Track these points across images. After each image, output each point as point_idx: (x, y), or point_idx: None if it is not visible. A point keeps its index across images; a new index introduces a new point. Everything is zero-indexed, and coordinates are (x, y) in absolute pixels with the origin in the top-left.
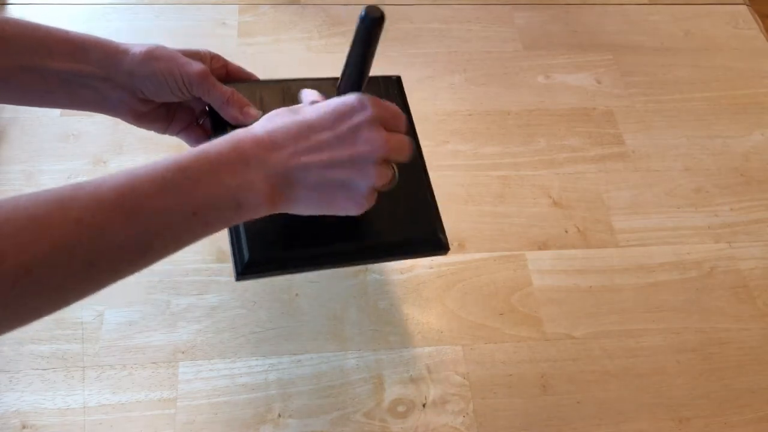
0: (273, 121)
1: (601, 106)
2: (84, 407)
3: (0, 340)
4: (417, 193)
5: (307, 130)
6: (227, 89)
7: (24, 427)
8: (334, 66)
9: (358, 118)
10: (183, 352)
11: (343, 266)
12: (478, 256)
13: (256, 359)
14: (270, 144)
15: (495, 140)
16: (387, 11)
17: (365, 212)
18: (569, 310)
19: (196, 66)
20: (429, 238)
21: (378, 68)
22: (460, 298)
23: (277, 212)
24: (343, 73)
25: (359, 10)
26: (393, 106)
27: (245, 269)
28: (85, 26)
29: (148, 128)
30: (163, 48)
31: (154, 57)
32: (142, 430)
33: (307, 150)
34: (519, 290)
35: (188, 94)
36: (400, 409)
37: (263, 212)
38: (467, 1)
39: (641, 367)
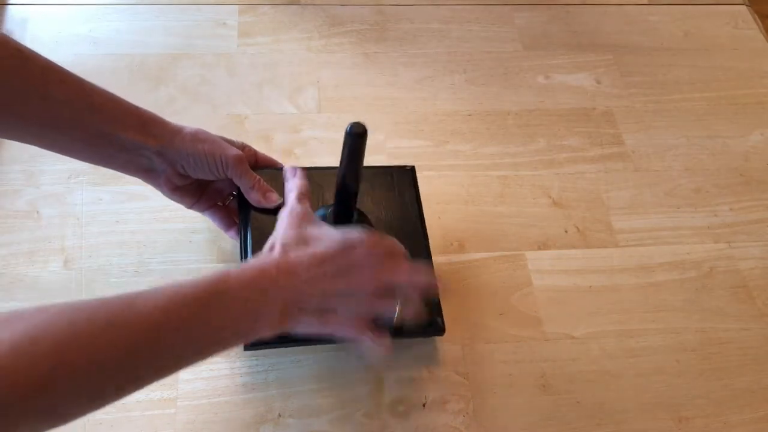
0: (292, 250)
1: (600, 106)
2: None
3: None
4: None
5: (316, 261)
6: (255, 176)
7: None
8: (334, 66)
9: (356, 256)
10: None
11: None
12: (478, 256)
13: (257, 359)
14: (287, 272)
15: (495, 140)
16: (387, 11)
17: None
18: (569, 310)
19: (234, 151)
20: (428, 323)
21: (378, 68)
22: (460, 298)
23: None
24: (339, 175)
25: (359, 11)
26: (388, 243)
27: (252, 344)
28: (85, 26)
29: (179, 201)
30: (207, 132)
31: (200, 139)
32: (142, 430)
33: (313, 279)
34: (519, 290)
35: (222, 175)
36: (400, 409)
37: (269, 335)
38: (467, 1)
39: (641, 367)
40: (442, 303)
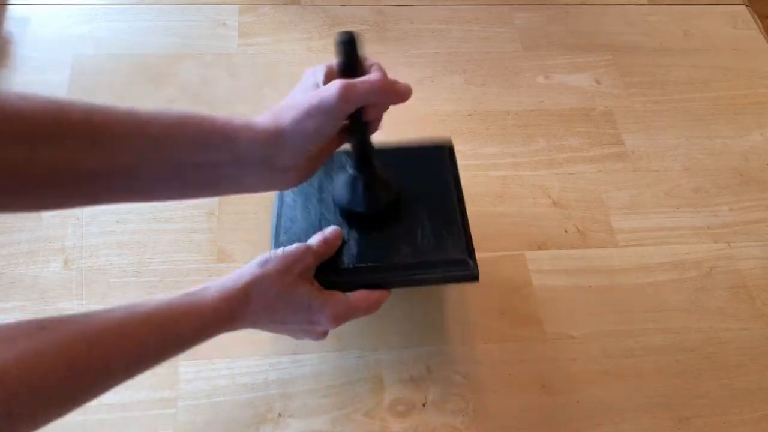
0: (269, 313)
1: (600, 106)
2: (85, 407)
3: None
4: (449, 224)
5: (281, 325)
6: (373, 81)
7: None
8: None
9: (319, 329)
10: None
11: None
12: (478, 256)
13: (257, 359)
14: (253, 317)
15: (495, 140)
16: (387, 12)
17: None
18: (569, 310)
19: (331, 90)
20: (459, 267)
21: None
22: (460, 297)
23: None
24: None
25: (359, 11)
26: (355, 313)
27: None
28: (86, 27)
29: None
30: (290, 104)
31: (301, 114)
32: (142, 430)
33: (271, 325)
34: (519, 290)
35: (343, 121)
36: (400, 408)
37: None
38: (467, 1)
39: (641, 367)
40: None
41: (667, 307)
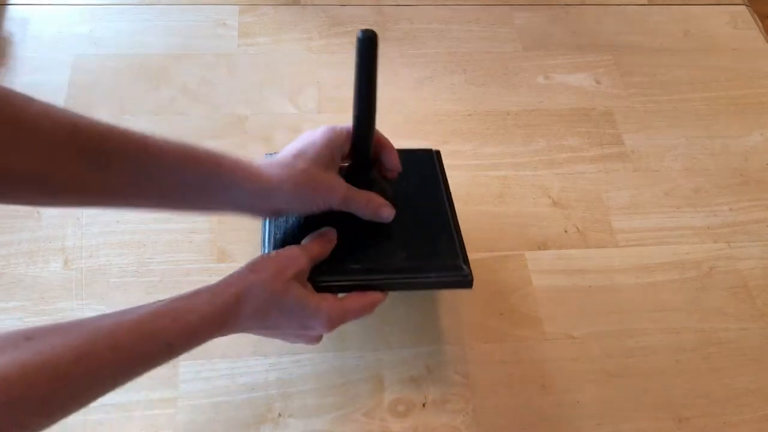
0: (260, 319)
1: (600, 106)
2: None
3: None
4: (442, 231)
5: (274, 330)
6: (362, 198)
7: None
8: (334, 66)
9: (312, 333)
10: None
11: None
12: (478, 256)
13: (257, 359)
14: (244, 323)
15: (495, 140)
16: (387, 12)
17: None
18: (569, 310)
19: (338, 193)
20: (453, 273)
21: (378, 68)
22: (459, 297)
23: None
24: (354, 105)
25: (359, 11)
26: (349, 316)
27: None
28: (85, 26)
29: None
30: (306, 175)
31: (302, 187)
32: (142, 430)
33: (264, 330)
34: (519, 290)
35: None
36: (400, 408)
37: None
38: (467, 1)
39: (641, 367)
40: None
41: (667, 307)
